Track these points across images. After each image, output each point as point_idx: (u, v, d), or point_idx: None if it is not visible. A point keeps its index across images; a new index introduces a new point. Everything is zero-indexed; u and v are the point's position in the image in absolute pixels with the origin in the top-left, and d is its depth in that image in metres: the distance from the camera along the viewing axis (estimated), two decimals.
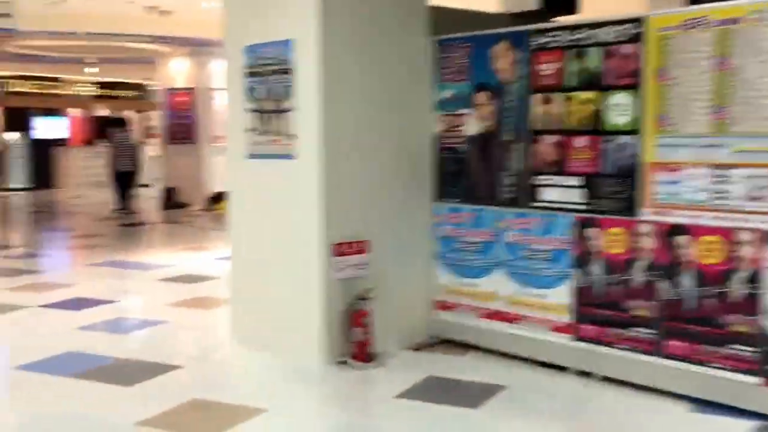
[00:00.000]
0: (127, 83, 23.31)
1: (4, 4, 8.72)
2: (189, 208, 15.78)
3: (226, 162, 5.71)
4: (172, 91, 16.29)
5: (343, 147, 4.99)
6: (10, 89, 19.75)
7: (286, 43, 5.02)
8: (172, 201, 16.15)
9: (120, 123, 16.56)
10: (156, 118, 25.08)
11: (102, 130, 23.04)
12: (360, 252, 5.01)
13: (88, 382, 4.72)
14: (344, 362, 4.91)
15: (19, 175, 20.29)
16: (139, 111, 24.29)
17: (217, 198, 15.95)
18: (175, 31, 12.77)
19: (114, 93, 23.28)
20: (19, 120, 20.38)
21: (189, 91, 16.11)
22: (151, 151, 23.98)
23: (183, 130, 16.25)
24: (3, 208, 12.22)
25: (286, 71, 5.03)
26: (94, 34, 12.62)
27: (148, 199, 17.83)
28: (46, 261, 9.88)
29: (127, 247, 11.03)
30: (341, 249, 4.92)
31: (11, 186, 19.73)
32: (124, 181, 15.95)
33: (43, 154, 21.05)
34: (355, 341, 4.91)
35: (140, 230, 13.14)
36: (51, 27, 11.86)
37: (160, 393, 4.57)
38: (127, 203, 15.75)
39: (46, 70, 19.29)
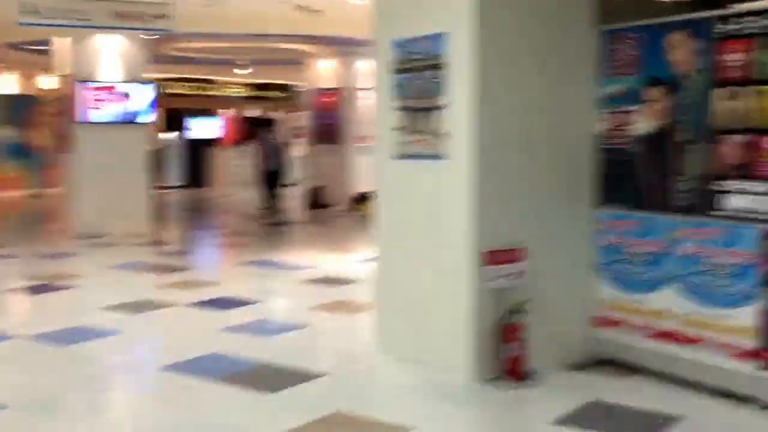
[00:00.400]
0: (276, 84, 23.76)
1: (162, 6, 8.88)
2: (333, 209, 15.81)
3: (372, 162, 5.46)
4: (319, 92, 16.38)
5: (497, 147, 4.63)
6: (167, 91, 20.49)
7: (438, 37, 4.72)
8: (316, 201, 16.25)
9: (268, 123, 16.85)
10: (303, 119, 25.53)
11: (251, 130, 23.69)
12: (513, 260, 4.64)
13: (230, 387, 4.59)
14: (495, 380, 4.55)
15: (173, 173, 21.04)
16: (286, 112, 24.74)
17: (361, 199, 15.92)
18: (323, 31, 12.74)
19: (264, 94, 23.78)
20: (175, 121, 21.14)
21: (335, 91, 16.15)
22: (297, 151, 24.39)
23: (329, 130, 16.31)
24: (158, 205, 12.54)
25: (437, 66, 4.73)
26: (247, 35, 12.79)
27: (293, 199, 18.05)
28: (195, 258, 10.03)
29: (272, 246, 11.08)
30: (493, 257, 4.57)
31: (166, 184, 20.47)
32: (271, 180, 16.21)
33: (196, 153, 21.77)
34: (507, 357, 4.55)
35: (285, 230, 13.24)
36: (206, 29, 12.09)
37: (303, 403, 4.38)
38: (274, 203, 15.98)
39: (199, 72, 19.89)
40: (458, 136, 4.64)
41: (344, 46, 14.94)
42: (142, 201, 12.11)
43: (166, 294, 7.22)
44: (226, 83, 22.48)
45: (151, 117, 12.21)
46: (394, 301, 5.24)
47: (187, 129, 21.93)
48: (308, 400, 4.42)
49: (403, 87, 5.00)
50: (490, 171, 4.59)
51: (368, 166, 15.68)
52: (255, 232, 12.46)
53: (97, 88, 11.57)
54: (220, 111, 23.45)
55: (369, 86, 16.31)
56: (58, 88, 12.16)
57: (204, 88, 21.91)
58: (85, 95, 11.50)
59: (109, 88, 11.69)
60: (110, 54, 11.76)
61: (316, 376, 4.78)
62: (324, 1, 10.46)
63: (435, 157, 4.78)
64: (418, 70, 4.88)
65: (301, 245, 11.57)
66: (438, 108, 4.76)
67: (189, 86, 21.42)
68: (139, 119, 12.00)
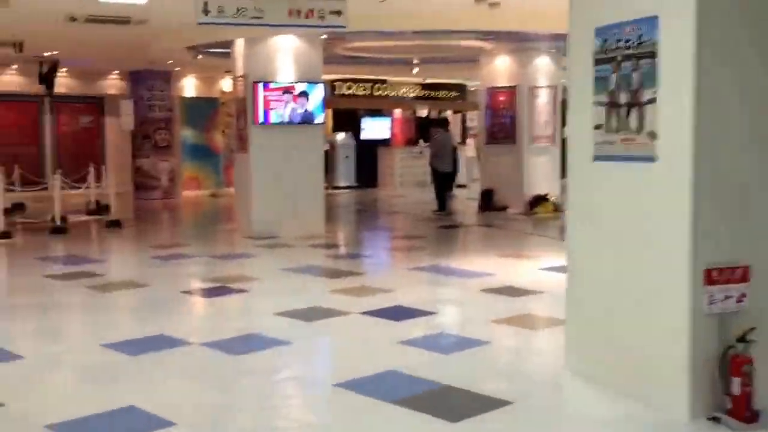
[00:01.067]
0: (448, 84, 23.39)
1: (336, 2, 8.66)
2: (507, 211, 15.22)
3: (568, 164, 4.91)
4: (493, 90, 15.83)
5: (722, 147, 3.96)
6: (338, 92, 20.59)
7: (650, 21, 4.11)
8: (490, 203, 15.71)
9: (442, 124, 16.49)
10: (474, 119, 25.05)
11: (423, 130, 23.46)
12: (740, 281, 3.95)
13: (409, 410, 4.18)
14: (717, 419, 3.88)
15: (345, 174, 21.14)
16: (456, 111, 24.35)
17: (538, 201, 15.24)
18: (501, 26, 12.13)
19: (434, 94, 23.48)
20: (345, 121, 21.22)
21: (510, 89, 15.54)
22: (469, 151, 23.94)
23: (503, 129, 15.72)
24: (329, 206, 12.44)
25: (648, 55, 4.12)
26: (422, 32, 12.42)
27: (464, 201, 17.64)
28: (367, 262, 9.76)
29: (445, 250, 10.68)
30: (716, 276, 3.90)
31: (338, 185, 20.60)
32: (444, 182, 15.82)
33: (367, 153, 21.79)
34: (732, 394, 3.87)
35: (458, 233, 12.80)
36: (380, 27, 11.83)
37: None
38: (446, 204, 15.60)
39: (368, 72, 19.80)
40: (672, 135, 4.00)
41: (521, 42, 14.31)
42: (317, 202, 12.05)
43: (339, 301, 6.96)
44: (398, 83, 22.34)
45: (322, 118, 12.13)
46: (589, 319, 4.66)
47: (361, 129, 22.00)
48: None
49: (605, 79, 4.41)
50: (712, 175, 3.93)
51: (545, 167, 15.14)
52: (427, 235, 12.10)
53: (274, 89, 11.60)
54: (390, 111, 23.37)
55: (545, 83, 15.75)
56: (236, 90, 12.29)
57: (374, 89, 21.84)
58: (261, 96, 11.56)
59: (287, 89, 11.70)
60: (285, 55, 11.77)
61: (501, 403, 4.28)
62: None
63: (644, 158, 4.16)
64: (623, 60, 4.29)
65: (477, 250, 11.09)
66: (647, 103, 4.15)
67: (358, 86, 21.42)
68: (314, 120, 11.95)
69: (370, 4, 9.98)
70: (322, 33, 11.68)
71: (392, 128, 23.29)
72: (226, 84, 19.65)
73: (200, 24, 8.34)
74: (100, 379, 4.88)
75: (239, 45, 12.00)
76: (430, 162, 15.88)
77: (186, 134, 19.80)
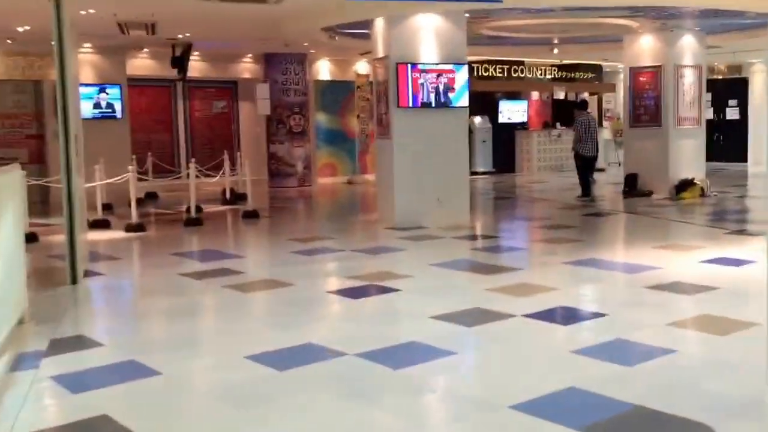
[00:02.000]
0: (585, 65, 22.44)
1: None
2: (652, 197, 14.38)
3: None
4: (636, 70, 14.94)
5: None
6: (476, 74, 20.01)
7: None
8: (634, 188, 14.88)
9: (583, 106, 15.74)
10: (611, 100, 23.95)
11: (560, 113, 22.62)
12: None
13: None
14: None
15: (482, 158, 20.62)
16: (593, 93, 23.34)
17: (684, 186, 14.28)
18: (650, 2, 11.39)
19: (571, 75, 22.59)
20: (484, 104, 20.62)
21: (654, 69, 14.63)
22: (606, 134, 22.92)
23: (647, 112, 14.84)
24: (470, 194, 11.99)
25: None
26: (573, 8, 11.76)
27: (606, 185, 16.84)
28: (519, 256, 9.27)
29: (598, 241, 10.08)
30: None
31: (476, 170, 20.14)
32: (588, 166, 15.09)
33: (505, 137, 21.17)
34: None
35: (606, 221, 12.11)
36: (533, 4, 11.26)
37: None
38: (590, 190, 14.88)
39: (506, 54, 19.14)
40: None
41: (667, 20, 13.38)
42: (462, 191, 11.61)
43: (498, 301, 6.47)
44: (533, 65, 21.59)
45: (466, 100, 11.68)
46: None
47: (498, 112, 21.40)
48: None
49: None
50: None
51: (691, 150, 14.24)
52: (573, 224, 11.48)
53: (417, 71, 11.22)
54: (526, 93, 22.65)
55: (690, 63, 14.72)
56: (375, 73, 11.96)
57: (511, 71, 21.17)
58: (407, 78, 11.20)
59: (431, 71, 11.30)
60: (428, 35, 11.33)
61: (703, 429, 3.75)
62: None
63: None
64: None
65: (630, 241, 10.46)
66: None
67: (495, 68, 20.79)
68: (458, 103, 11.51)
69: None
70: (468, 9, 11.22)
71: (529, 111, 22.56)
72: (361, 67, 19.44)
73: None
74: (246, 402, 4.31)
75: (379, 25, 11.65)
76: (573, 146, 15.18)
77: (320, 119, 19.64)
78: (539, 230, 11.29)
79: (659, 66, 14.49)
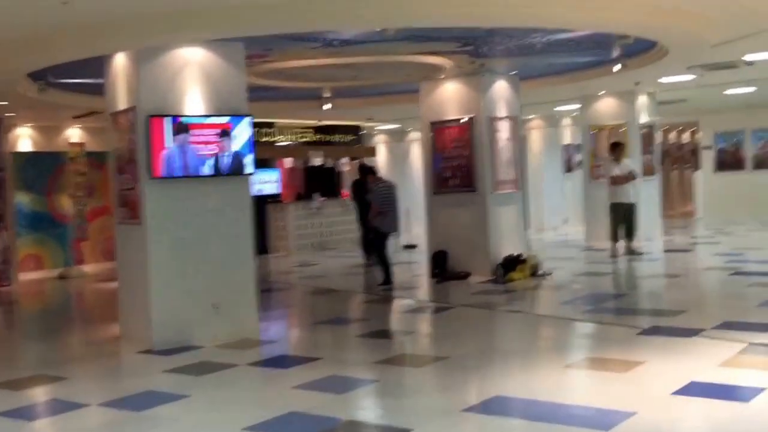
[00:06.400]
0: (343, 126, 19.82)
1: None
2: (470, 280, 11.60)
3: None
4: (440, 125, 12.31)
5: None
6: None
7: None
8: (445, 270, 12.03)
9: (373, 171, 12.72)
10: (374, 164, 21.36)
11: (318, 182, 19.57)
12: None
13: None
14: None
15: None
16: (353, 158, 20.64)
17: (511, 264, 11.67)
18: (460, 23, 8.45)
19: (329, 138, 19.82)
20: None
21: (463, 122, 12.08)
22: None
23: (456, 174, 12.21)
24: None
25: None
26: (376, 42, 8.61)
27: (400, 268, 13.69)
28: (374, 395, 5.80)
29: (470, 359, 6.77)
30: None
31: None
32: (381, 243, 11.94)
33: (255, 213, 17.56)
34: None
35: (447, 320, 8.96)
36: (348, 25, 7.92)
37: None
38: (391, 275, 11.71)
39: (263, 111, 15.75)
40: None
41: (485, 58, 10.81)
42: (247, 289, 8.23)
43: None
44: (286, 127, 18.51)
45: (251, 166, 8.17)
46: None
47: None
48: None
49: None
50: None
51: (512, 220, 11.28)
52: (411, 328, 8.32)
53: (179, 127, 7.56)
54: (280, 160, 19.43)
55: (505, 114, 12.36)
56: (119, 127, 8.07)
57: (259, 134, 17.80)
58: (158, 138, 7.56)
59: (199, 126, 7.87)
60: (195, 75, 7.84)
61: None
62: None
63: None
64: None
65: (520, 355, 7.10)
66: None
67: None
68: (244, 168, 7.97)
69: None
70: (250, 35, 7.73)
71: (282, 180, 19.26)
72: (74, 134, 15.27)
73: None
74: None
75: (119, 63, 7.87)
76: (370, 221, 12.00)
77: (22, 200, 15.05)
78: (375, 344, 7.83)
79: (471, 118, 11.91)
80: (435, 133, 12.33)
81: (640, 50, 10.35)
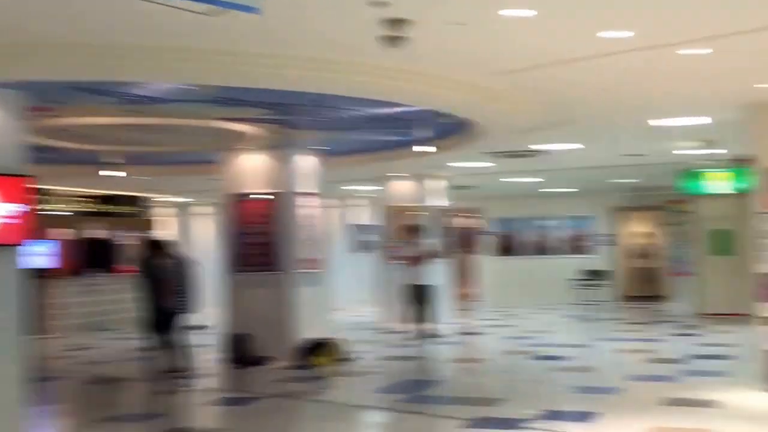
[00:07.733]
0: (125, 197, 18.48)
1: None
2: (270, 365, 10.81)
3: None
4: (241, 199, 11.60)
5: None
6: None
7: None
8: (243, 354, 11.15)
9: (161, 245, 11.64)
10: (164, 237, 19.96)
11: (96, 256, 17.95)
12: None
13: None
14: None
15: None
16: (132, 231, 19.15)
17: (316, 348, 11.01)
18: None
19: (107, 209, 18.37)
20: None
21: (265, 198, 11.46)
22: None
23: (258, 252, 11.49)
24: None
25: None
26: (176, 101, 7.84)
27: (198, 350, 12.47)
28: None
29: None
30: None
31: None
32: (168, 324, 10.84)
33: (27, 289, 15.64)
34: None
35: (277, 418, 8.05)
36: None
37: None
38: (179, 360, 10.61)
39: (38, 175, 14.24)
40: None
41: (295, 129, 10.34)
42: (11, 387, 6.78)
43: None
44: (60, 195, 16.94)
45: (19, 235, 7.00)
46: None
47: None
48: None
49: None
50: None
51: (315, 301, 10.84)
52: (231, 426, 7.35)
53: None
54: (52, 232, 17.60)
55: (309, 189, 11.87)
56: None
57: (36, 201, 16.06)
58: None
59: None
60: None
61: None
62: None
63: None
64: None
65: None
66: None
67: None
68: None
69: None
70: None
71: (57, 254, 17.41)
72: None
73: None
74: None
75: None
76: (161, 300, 10.85)
77: None
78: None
79: (276, 193, 11.30)
80: (236, 207, 11.58)
81: (449, 132, 10.31)
